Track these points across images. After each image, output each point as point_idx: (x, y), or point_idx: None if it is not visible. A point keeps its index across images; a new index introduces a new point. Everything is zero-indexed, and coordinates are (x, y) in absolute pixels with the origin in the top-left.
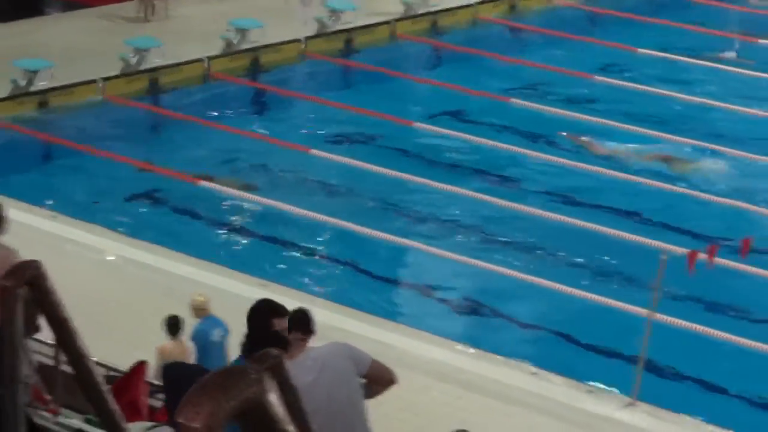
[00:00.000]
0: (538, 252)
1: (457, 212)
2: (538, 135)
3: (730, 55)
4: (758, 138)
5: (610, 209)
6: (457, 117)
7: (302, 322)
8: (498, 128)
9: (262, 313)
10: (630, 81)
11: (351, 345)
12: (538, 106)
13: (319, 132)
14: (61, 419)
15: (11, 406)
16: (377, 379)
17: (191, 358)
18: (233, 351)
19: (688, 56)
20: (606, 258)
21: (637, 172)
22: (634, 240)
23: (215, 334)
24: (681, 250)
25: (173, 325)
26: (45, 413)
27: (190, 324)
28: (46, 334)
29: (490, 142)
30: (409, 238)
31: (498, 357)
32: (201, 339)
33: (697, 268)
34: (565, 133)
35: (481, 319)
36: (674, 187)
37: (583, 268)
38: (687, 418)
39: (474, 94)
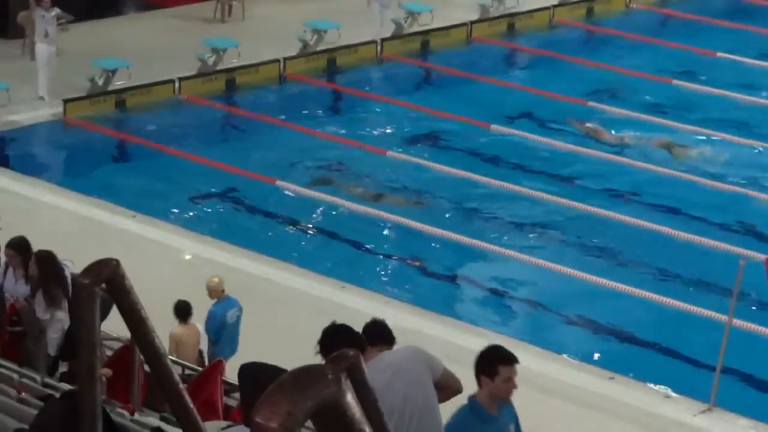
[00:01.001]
0: (617, 256)
1: (537, 213)
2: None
3: None
4: None
5: (687, 214)
6: (533, 119)
7: (379, 335)
8: (573, 130)
9: (489, 359)
10: (707, 85)
11: (425, 350)
12: (614, 109)
13: (395, 133)
14: (137, 417)
15: (90, 404)
16: (446, 387)
17: (203, 341)
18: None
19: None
20: (683, 262)
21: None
22: (712, 245)
23: (230, 315)
24: (760, 256)
25: (183, 310)
26: (122, 411)
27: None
28: (123, 332)
29: (567, 146)
30: (485, 240)
31: (573, 361)
32: (217, 320)
33: None
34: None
35: (555, 323)
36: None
37: (660, 272)
38: (764, 426)
39: (549, 96)
